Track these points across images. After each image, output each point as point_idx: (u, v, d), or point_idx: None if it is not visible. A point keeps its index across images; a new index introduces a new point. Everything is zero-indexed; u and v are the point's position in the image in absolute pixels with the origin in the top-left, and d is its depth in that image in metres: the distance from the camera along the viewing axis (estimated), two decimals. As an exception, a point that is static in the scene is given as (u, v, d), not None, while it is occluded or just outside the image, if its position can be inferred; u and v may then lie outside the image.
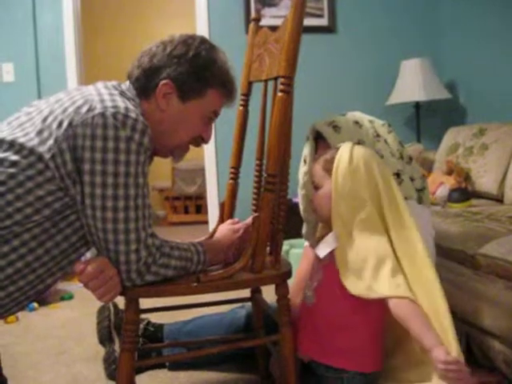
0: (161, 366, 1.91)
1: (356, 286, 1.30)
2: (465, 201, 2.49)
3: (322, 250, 1.41)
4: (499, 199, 2.59)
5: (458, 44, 3.63)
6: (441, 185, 2.68)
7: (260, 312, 1.72)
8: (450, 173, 2.79)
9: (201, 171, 5.24)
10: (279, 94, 1.33)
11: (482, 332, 1.74)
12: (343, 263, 1.33)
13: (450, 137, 3.09)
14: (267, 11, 3.55)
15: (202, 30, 3.48)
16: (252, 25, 1.74)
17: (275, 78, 1.54)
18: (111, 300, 1.28)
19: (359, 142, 1.52)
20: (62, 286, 2.97)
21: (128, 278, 1.25)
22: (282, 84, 1.32)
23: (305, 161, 1.63)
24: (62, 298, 2.80)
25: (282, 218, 1.43)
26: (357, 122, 1.61)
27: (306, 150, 1.64)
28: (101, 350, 2.00)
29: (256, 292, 1.72)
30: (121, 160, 1.19)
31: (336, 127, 1.57)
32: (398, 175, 1.57)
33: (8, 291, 1.23)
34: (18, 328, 2.41)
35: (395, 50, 3.71)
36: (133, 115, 1.21)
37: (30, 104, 1.38)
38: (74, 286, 2.90)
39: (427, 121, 3.65)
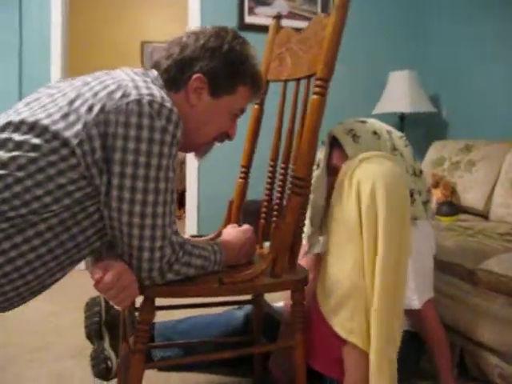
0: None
1: (324, 308, 1.37)
2: (453, 215, 2.52)
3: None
4: (484, 215, 2.64)
5: (445, 59, 3.70)
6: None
7: (260, 315, 1.69)
8: (435, 186, 2.82)
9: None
10: (314, 96, 1.30)
11: (478, 346, 1.77)
12: (321, 283, 1.40)
13: (435, 150, 3.13)
14: (260, 10, 3.51)
15: (194, 25, 3.41)
16: (274, 22, 1.71)
17: (298, 79, 1.52)
18: (128, 306, 1.21)
19: None
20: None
21: (149, 276, 1.19)
22: (318, 86, 1.30)
23: (318, 165, 1.60)
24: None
25: (301, 221, 1.40)
26: (375, 133, 1.57)
27: (321, 155, 1.61)
28: (84, 346, 1.93)
29: (258, 295, 1.68)
30: (154, 152, 1.12)
31: (355, 136, 1.54)
32: (411, 194, 1.55)
33: (15, 285, 1.14)
34: (-10, 318, 2.30)
35: (385, 60, 3.75)
36: (168, 105, 1.15)
37: (48, 85, 1.30)
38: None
39: (411, 132, 3.69)
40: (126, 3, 5.99)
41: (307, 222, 1.72)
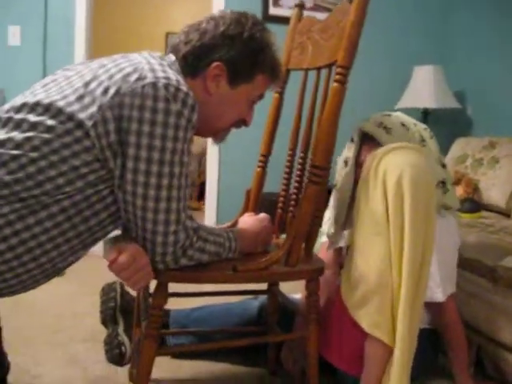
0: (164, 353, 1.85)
1: (349, 302, 1.36)
2: (475, 212, 2.48)
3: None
4: (507, 213, 2.59)
5: (470, 55, 3.63)
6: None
7: (276, 305, 1.68)
8: (457, 182, 2.77)
9: (195, 157, 5.17)
10: (335, 84, 1.29)
11: (497, 344, 1.73)
12: (346, 276, 1.38)
13: (458, 147, 3.08)
14: (285, 1, 3.48)
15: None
16: (296, 11, 1.69)
17: (319, 68, 1.50)
18: (142, 288, 1.21)
19: None
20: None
21: (163, 260, 1.19)
22: (339, 74, 1.28)
23: (346, 162, 1.55)
24: (55, 274, 2.71)
25: (319, 211, 1.38)
26: (403, 125, 1.55)
27: (349, 152, 1.57)
28: (98, 331, 1.94)
29: (273, 284, 1.67)
30: (169, 135, 1.12)
31: (386, 128, 1.51)
32: (443, 183, 1.53)
33: (27, 268, 1.14)
34: (9, 300, 2.32)
35: (408, 54, 3.70)
36: (184, 89, 1.14)
37: (66, 67, 1.29)
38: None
39: (434, 128, 3.61)
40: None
41: (330, 220, 1.70)
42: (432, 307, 1.58)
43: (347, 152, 1.56)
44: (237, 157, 3.40)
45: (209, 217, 3.54)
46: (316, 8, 3.51)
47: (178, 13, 5.97)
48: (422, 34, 3.79)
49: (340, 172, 1.55)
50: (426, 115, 3.49)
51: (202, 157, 5.03)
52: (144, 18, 5.96)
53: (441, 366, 1.79)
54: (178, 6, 5.99)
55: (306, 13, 1.71)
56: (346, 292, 1.37)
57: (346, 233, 1.56)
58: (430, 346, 1.67)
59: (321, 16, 1.51)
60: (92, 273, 2.41)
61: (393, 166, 1.31)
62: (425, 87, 3.41)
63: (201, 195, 5.00)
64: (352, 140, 1.57)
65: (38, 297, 2.37)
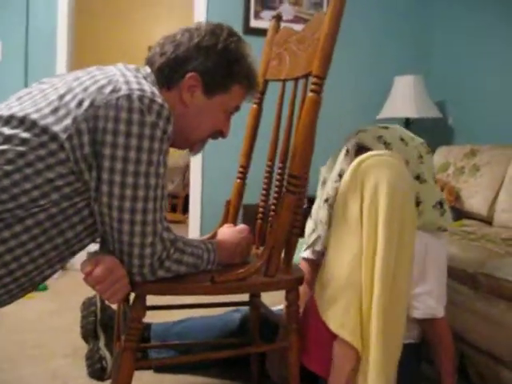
0: (146, 367, 1.83)
1: (319, 301, 1.36)
2: (457, 220, 2.49)
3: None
4: (488, 221, 2.61)
5: (450, 64, 3.68)
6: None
7: (258, 317, 1.67)
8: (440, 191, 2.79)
9: (179, 169, 5.17)
10: (310, 93, 1.29)
11: (479, 351, 1.73)
12: (319, 277, 1.38)
13: (440, 156, 3.10)
14: (266, 14, 3.51)
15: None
16: (273, 22, 1.71)
17: (296, 79, 1.51)
18: (119, 301, 1.20)
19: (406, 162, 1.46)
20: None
21: (140, 273, 1.18)
22: (314, 84, 1.28)
23: (340, 175, 1.48)
24: (37, 289, 2.68)
25: (298, 221, 1.38)
26: (402, 140, 1.53)
27: (344, 165, 1.49)
28: (80, 346, 1.92)
29: (255, 296, 1.67)
30: (144, 147, 1.11)
31: (386, 143, 1.49)
32: (441, 204, 1.52)
33: (3, 282, 1.13)
34: (-11, 317, 2.29)
35: (389, 64, 3.74)
36: (159, 100, 1.14)
37: (41, 81, 1.29)
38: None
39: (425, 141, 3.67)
40: (134, 7, 6.01)
41: (310, 231, 1.68)
42: (425, 322, 1.57)
43: (342, 164, 1.50)
44: (220, 169, 3.40)
45: (192, 229, 3.52)
46: (297, 20, 3.55)
47: (161, 27, 6.00)
48: (403, 43, 3.83)
49: (334, 185, 1.48)
50: (407, 125, 3.52)
51: (186, 170, 5.03)
52: (126, 31, 5.97)
53: (425, 375, 1.79)
54: (160, 20, 6.01)
55: (287, 25, 1.72)
56: (317, 293, 1.38)
57: (322, 236, 1.53)
58: (414, 357, 1.66)
59: (302, 28, 1.52)
60: (75, 288, 2.39)
61: (372, 170, 1.32)
62: (406, 97, 3.44)
63: (186, 208, 4.98)
64: (347, 152, 1.51)
65: (19, 313, 2.35)
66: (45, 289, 2.72)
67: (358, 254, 1.30)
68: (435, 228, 1.53)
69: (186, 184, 5.13)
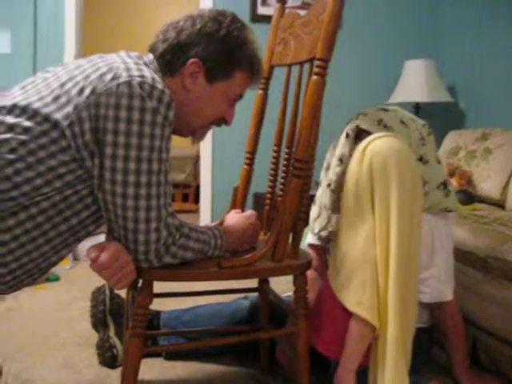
0: (156, 354, 1.84)
1: (334, 284, 1.37)
2: (469, 203, 2.46)
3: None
4: (501, 204, 2.58)
5: (461, 48, 3.62)
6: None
7: (267, 303, 1.67)
8: (451, 175, 2.76)
9: (190, 160, 5.17)
10: (314, 76, 1.28)
11: (491, 336, 1.72)
12: (332, 260, 1.40)
13: (451, 140, 3.07)
14: (273, 0, 3.46)
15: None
16: (278, 6, 1.69)
17: (301, 63, 1.49)
18: (125, 287, 1.21)
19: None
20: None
21: (146, 259, 1.18)
22: (318, 67, 1.27)
23: (341, 160, 1.46)
24: (48, 279, 2.69)
25: (304, 206, 1.37)
26: (403, 122, 1.51)
27: (345, 149, 1.47)
28: (91, 335, 1.93)
29: (264, 282, 1.66)
30: (146, 133, 1.11)
31: (386, 127, 1.47)
32: (444, 185, 1.51)
33: (10, 268, 1.14)
34: (1, 307, 2.31)
35: (399, 49, 3.70)
36: (159, 86, 1.13)
37: (46, 70, 1.29)
38: (60, 268, 2.80)
39: (427, 122, 3.63)
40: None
41: (314, 218, 1.66)
42: (434, 305, 1.56)
43: (342, 149, 1.47)
44: (230, 157, 3.39)
45: (204, 218, 3.53)
46: (306, 7, 3.51)
47: (168, 17, 5.98)
48: (413, 27, 3.78)
49: (335, 170, 1.46)
50: (418, 109, 3.49)
51: (197, 160, 5.03)
52: (136, 21, 5.96)
53: (436, 360, 1.77)
54: (167, 11, 5.98)
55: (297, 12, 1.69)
56: (331, 275, 1.38)
57: (333, 218, 1.52)
58: (424, 341, 1.65)
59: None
60: (87, 278, 2.40)
61: (379, 151, 1.33)
62: (416, 81, 3.40)
63: (197, 198, 4.99)
64: (347, 136, 1.49)
65: (32, 303, 2.38)
66: (57, 279, 2.73)
67: (371, 234, 1.31)
68: (440, 209, 1.52)
69: (197, 174, 5.13)
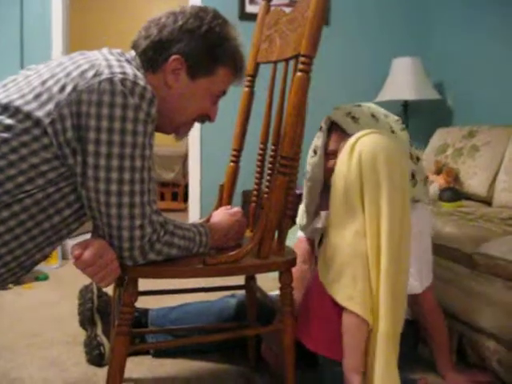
0: (145, 352, 1.83)
1: (325, 279, 1.35)
2: (456, 200, 2.48)
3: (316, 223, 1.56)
4: (488, 201, 2.60)
5: (448, 46, 3.65)
6: (430, 184, 2.67)
7: (254, 300, 1.67)
8: (438, 172, 2.78)
9: (179, 158, 5.16)
10: (298, 73, 1.27)
11: (477, 331, 1.73)
12: (322, 256, 1.39)
13: (439, 137, 3.09)
14: (261, -2, 3.47)
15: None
16: (263, 4, 1.68)
17: (286, 60, 1.49)
18: (110, 284, 1.20)
19: None
20: (38, 266, 2.85)
21: (130, 256, 1.18)
22: (303, 63, 1.27)
23: (315, 151, 1.57)
24: (37, 278, 2.69)
25: (289, 203, 1.38)
26: (373, 116, 1.56)
27: (318, 141, 1.59)
28: (79, 333, 1.93)
29: (251, 279, 1.66)
30: (128, 129, 1.11)
31: (354, 118, 1.52)
32: (412, 176, 1.55)
33: None
34: (-11, 307, 2.30)
35: (387, 46, 3.72)
36: (141, 83, 1.13)
37: (28, 67, 1.29)
38: (49, 267, 2.79)
39: (415, 120, 3.65)
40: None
41: (302, 211, 1.71)
42: (411, 300, 1.57)
43: (316, 141, 1.58)
44: (218, 155, 3.39)
45: (192, 216, 3.53)
46: (292, 5, 3.51)
47: (159, 10, 5.97)
48: (402, 25, 3.81)
49: (309, 161, 1.57)
50: (406, 107, 3.51)
51: (186, 158, 5.02)
52: (124, 19, 5.94)
53: (421, 356, 1.79)
54: (158, 4, 5.97)
55: (283, 10, 1.70)
56: (321, 270, 1.38)
57: (323, 215, 1.56)
58: (409, 335, 1.66)
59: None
60: (76, 277, 2.38)
61: (368, 147, 1.33)
62: (404, 79, 3.42)
63: (186, 196, 4.98)
64: (320, 128, 1.58)
65: (20, 302, 2.37)
66: (46, 278, 2.72)
67: (361, 229, 1.31)
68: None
69: (186, 173, 5.12)
